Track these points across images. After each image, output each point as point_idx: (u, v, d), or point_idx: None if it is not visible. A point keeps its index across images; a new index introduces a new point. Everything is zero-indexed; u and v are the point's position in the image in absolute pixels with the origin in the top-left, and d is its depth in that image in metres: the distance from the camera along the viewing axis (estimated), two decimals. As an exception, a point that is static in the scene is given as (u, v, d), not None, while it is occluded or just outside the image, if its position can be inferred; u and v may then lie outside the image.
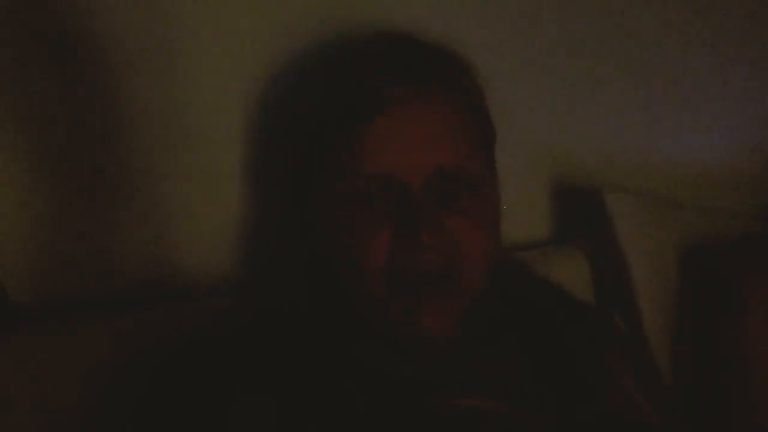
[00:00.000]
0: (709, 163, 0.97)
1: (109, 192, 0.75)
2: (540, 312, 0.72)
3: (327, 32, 0.75)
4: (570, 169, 0.92)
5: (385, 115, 0.60)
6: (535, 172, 0.92)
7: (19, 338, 0.70)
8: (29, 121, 0.71)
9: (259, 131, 0.77)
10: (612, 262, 0.87)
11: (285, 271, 0.68)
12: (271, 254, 0.74)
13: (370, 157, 0.61)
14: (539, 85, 0.87)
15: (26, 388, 0.68)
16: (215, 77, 0.75)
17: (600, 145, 0.92)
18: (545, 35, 0.86)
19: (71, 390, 0.68)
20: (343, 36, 0.73)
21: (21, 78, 0.70)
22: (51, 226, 0.74)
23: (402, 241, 0.59)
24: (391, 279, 0.60)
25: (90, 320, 0.73)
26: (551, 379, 0.66)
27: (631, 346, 0.78)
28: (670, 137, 0.95)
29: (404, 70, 0.62)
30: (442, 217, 0.60)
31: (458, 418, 0.60)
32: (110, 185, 0.75)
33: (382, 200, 0.61)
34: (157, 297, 0.77)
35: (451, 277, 0.61)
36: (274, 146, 0.77)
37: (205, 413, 0.57)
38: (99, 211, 0.75)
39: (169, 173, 0.76)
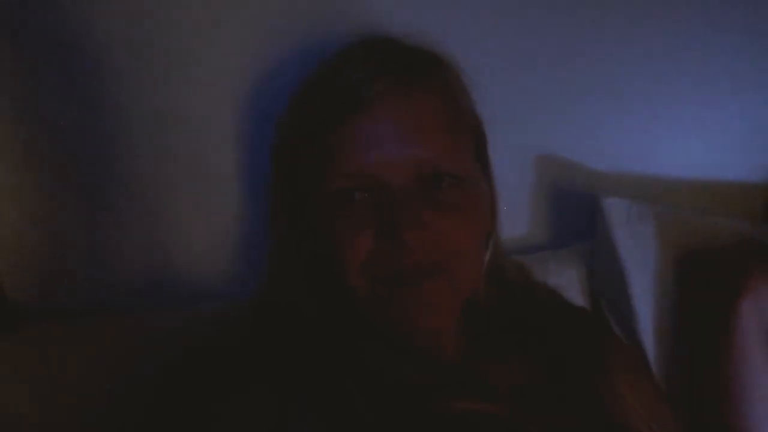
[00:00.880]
0: (706, 168, 0.97)
1: (106, 194, 0.75)
2: (538, 317, 0.72)
3: (320, 35, 0.75)
4: (568, 174, 0.92)
5: (364, 113, 0.61)
6: (533, 177, 0.92)
7: (18, 338, 0.71)
8: (27, 124, 0.71)
9: (254, 133, 0.78)
10: (609, 267, 0.87)
11: (285, 270, 0.68)
12: (269, 253, 0.73)
13: (350, 155, 0.61)
14: (538, 90, 0.88)
15: (24, 387, 0.68)
16: (210, 81, 0.75)
17: (598, 151, 0.92)
18: (544, 39, 0.86)
19: (70, 390, 0.68)
20: (335, 39, 0.73)
21: (18, 80, 0.70)
22: (48, 229, 0.74)
23: (384, 242, 0.59)
24: (375, 278, 0.60)
25: (89, 322, 0.73)
26: (549, 383, 0.66)
27: (627, 352, 0.78)
28: (668, 143, 0.94)
29: (383, 68, 0.62)
30: (425, 214, 0.60)
31: (458, 421, 0.60)
32: (108, 187, 0.75)
33: (365, 198, 0.61)
34: (155, 299, 0.77)
35: (440, 273, 0.61)
36: (268, 148, 0.77)
37: (206, 416, 0.57)
38: (96, 213, 0.75)
39: (165, 176, 0.76)
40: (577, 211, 0.92)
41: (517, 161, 0.90)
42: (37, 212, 0.73)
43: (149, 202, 0.76)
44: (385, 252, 0.60)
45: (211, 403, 0.57)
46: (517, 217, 0.90)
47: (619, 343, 0.78)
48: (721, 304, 0.80)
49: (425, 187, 0.61)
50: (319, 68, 0.67)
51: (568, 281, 0.86)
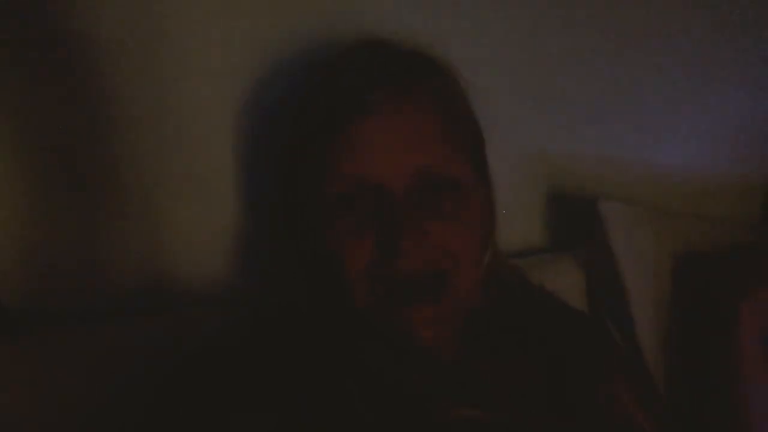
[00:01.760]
0: (703, 171, 0.97)
1: (103, 197, 0.75)
2: (536, 319, 0.72)
3: (318, 36, 0.75)
4: (565, 177, 0.92)
5: (363, 119, 0.60)
6: (530, 180, 0.92)
7: (14, 343, 0.70)
8: (22, 126, 0.71)
9: (253, 135, 0.77)
10: (606, 271, 0.87)
11: (282, 274, 0.68)
12: (268, 257, 0.73)
13: (350, 162, 0.61)
14: (534, 93, 0.88)
15: (22, 393, 0.67)
16: (208, 82, 0.75)
17: (595, 154, 0.92)
18: (540, 43, 0.86)
19: (67, 396, 0.68)
20: (332, 43, 0.73)
21: (13, 82, 0.69)
22: (44, 232, 0.74)
23: (383, 250, 0.59)
24: (374, 286, 0.60)
25: (87, 327, 0.73)
26: (548, 385, 0.66)
27: (624, 355, 0.78)
28: (665, 146, 0.95)
29: (382, 74, 0.62)
30: (424, 222, 0.60)
31: (457, 427, 0.60)
32: (104, 190, 0.75)
33: (364, 205, 0.61)
34: (152, 302, 0.77)
35: (439, 282, 0.61)
36: (266, 152, 0.77)
37: (206, 417, 0.57)
38: (92, 216, 0.75)
39: (163, 178, 0.76)
40: (574, 214, 0.92)
41: (514, 164, 0.89)
42: (31, 214, 0.73)
43: (147, 203, 0.76)
44: (385, 259, 0.59)
45: (212, 404, 0.57)
46: (514, 220, 0.89)
47: (617, 346, 0.78)
48: (720, 308, 0.80)
49: (425, 194, 0.61)
50: (318, 73, 0.67)
51: (565, 284, 0.85)
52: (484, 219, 0.67)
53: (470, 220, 0.63)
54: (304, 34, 0.75)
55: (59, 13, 0.68)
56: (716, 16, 0.90)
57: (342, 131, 0.61)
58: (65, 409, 0.68)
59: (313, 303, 0.66)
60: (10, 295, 0.73)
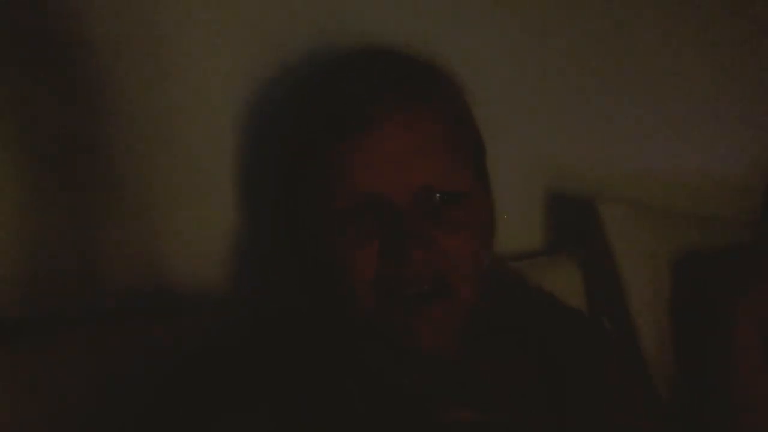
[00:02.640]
0: (701, 172, 0.97)
1: (101, 199, 0.74)
2: (535, 320, 0.72)
3: (319, 42, 0.75)
4: (563, 178, 0.93)
5: (368, 133, 0.60)
6: (528, 181, 0.92)
7: (8, 347, 0.70)
8: (14, 127, 0.70)
9: (254, 138, 0.77)
10: (605, 271, 0.87)
11: (280, 282, 0.68)
12: (265, 263, 0.73)
13: (355, 175, 0.61)
14: (533, 95, 0.88)
15: (21, 394, 0.67)
16: (208, 84, 0.75)
17: (593, 155, 0.93)
18: (539, 46, 0.86)
19: (66, 397, 0.67)
20: (334, 47, 0.72)
21: (10, 81, 0.69)
22: (41, 234, 0.73)
23: (390, 258, 0.59)
24: (380, 296, 0.60)
25: (86, 329, 0.72)
26: (547, 387, 0.67)
27: (623, 354, 0.78)
28: (662, 146, 0.95)
29: (386, 87, 0.62)
30: (429, 232, 0.60)
31: (457, 427, 0.60)
32: (103, 193, 0.74)
33: (370, 217, 0.61)
34: (151, 305, 0.77)
35: (443, 290, 0.61)
36: (266, 155, 0.77)
37: (205, 417, 0.57)
38: (91, 219, 0.75)
39: (162, 180, 0.76)
40: (573, 214, 0.92)
41: (512, 166, 0.89)
42: (28, 216, 0.72)
43: (146, 206, 0.76)
44: (390, 271, 0.59)
45: (211, 404, 0.57)
46: (513, 221, 0.89)
47: (616, 346, 0.78)
48: (719, 307, 0.80)
49: (429, 205, 0.61)
50: (321, 83, 0.67)
51: (564, 285, 0.86)
52: (485, 225, 0.68)
53: (473, 228, 0.64)
54: (306, 38, 0.75)
55: (58, 12, 0.68)
56: (715, 15, 0.90)
57: (345, 144, 0.61)
58: (65, 410, 0.67)
59: (314, 308, 0.66)
60: (8, 297, 0.73)
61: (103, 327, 0.73)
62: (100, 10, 0.69)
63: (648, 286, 0.86)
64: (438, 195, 0.61)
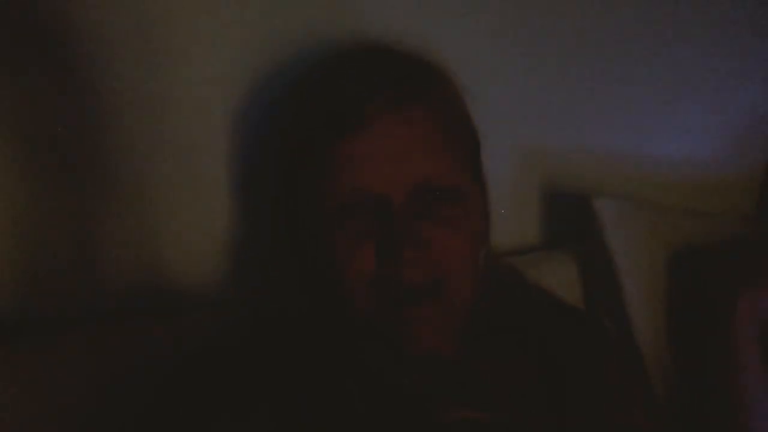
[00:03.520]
0: (698, 167, 0.97)
1: (100, 199, 0.75)
2: (533, 318, 0.72)
3: (316, 40, 0.75)
4: (560, 174, 0.92)
5: (363, 130, 0.60)
6: (525, 177, 0.92)
7: (12, 347, 0.70)
8: (12, 126, 0.71)
9: (251, 139, 0.77)
10: (602, 267, 0.87)
11: (279, 281, 0.68)
12: (265, 262, 0.74)
13: (349, 173, 0.61)
14: (529, 90, 0.87)
15: (20, 395, 0.67)
16: (206, 82, 0.75)
17: (590, 151, 0.92)
18: (534, 40, 0.86)
19: (66, 398, 0.68)
20: (330, 45, 0.73)
21: (8, 81, 0.69)
22: (39, 233, 0.74)
23: (385, 258, 0.60)
24: (377, 294, 0.61)
25: (84, 329, 0.73)
26: (546, 386, 0.67)
27: (620, 351, 0.78)
28: (660, 142, 0.95)
29: (380, 84, 0.62)
30: (424, 231, 0.60)
31: (456, 427, 0.60)
32: (101, 192, 0.74)
33: (365, 215, 0.61)
34: (150, 304, 0.77)
35: (439, 290, 0.61)
36: (265, 154, 0.77)
37: (205, 418, 0.57)
38: (89, 218, 0.75)
39: (158, 180, 0.76)
40: (569, 211, 0.92)
41: (509, 162, 0.90)
42: (26, 216, 0.72)
43: (145, 205, 0.76)
44: (387, 268, 0.60)
45: (211, 404, 0.57)
46: (509, 217, 0.89)
47: (614, 343, 0.78)
48: (716, 303, 0.80)
49: (424, 203, 0.61)
50: (315, 80, 0.67)
51: (561, 281, 0.86)
52: (481, 222, 0.68)
53: (468, 225, 0.64)
54: (302, 34, 0.75)
55: (56, 10, 0.68)
56: (713, 12, 0.90)
57: (341, 142, 0.61)
58: (65, 410, 0.68)
59: (313, 308, 0.66)
60: (8, 297, 0.73)
61: (103, 327, 0.73)
62: (100, 10, 0.69)
63: (645, 282, 0.86)
64: (434, 192, 0.62)
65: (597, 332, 0.76)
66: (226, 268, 0.80)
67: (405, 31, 0.67)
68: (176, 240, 0.78)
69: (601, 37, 0.88)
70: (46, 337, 0.72)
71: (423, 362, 0.63)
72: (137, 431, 0.64)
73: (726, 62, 0.93)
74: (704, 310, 0.81)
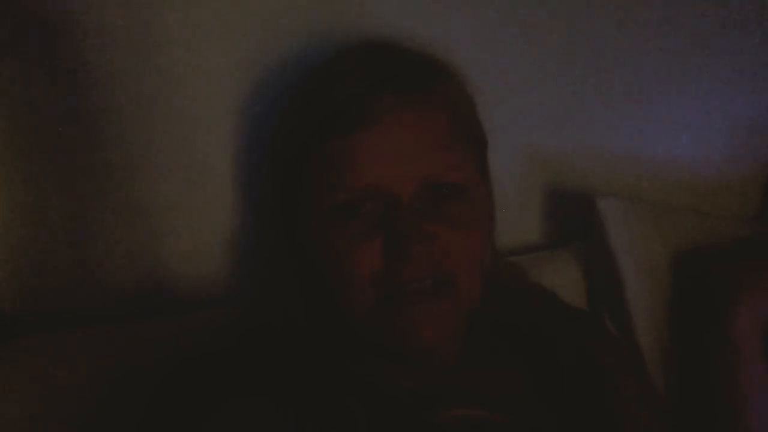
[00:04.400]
0: (701, 167, 0.97)
1: (98, 198, 0.74)
2: (536, 319, 0.72)
3: (320, 36, 0.74)
4: (563, 173, 0.92)
5: (369, 126, 0.60)
6: (527, 176, 0.91)
7: (11, 346, 0.70)
8: (11, 125, 0.70)
9: (250, 132, 0.77)
10: (604, 267, 0.87)
11: (279, 283, 0.68)
12: (264, 263, 0.73)
13: (355, 169, 0.60)
14: (532, 90, 0.87)
15: (19, 394, 0.67)
16: (206, 80, 0.74)
17: (593, 150, 0.92)
18: (538, 39, 0.85)
19: (64, 397, 0.68)
20: (334, 41, 0.72)
21: (8, 80, 0.69)
22: (37, 233, 0.74)
23: (392, 255, 0.59)
24: (381, 291, 0.60)
25: (82, 329, 0.72)
26: (547, 386, 0.67)
27: (625, 353, 0.78)
28: (663, 143, 0.95)
29: (387, 79, 0.62)
30: (431, 227, 0.60)
31: (456, 427, 0.60)
32: (97, 191, 0.74)
33: (371, 212, 0.61)
34: (148, 304, 0.76)
35: (445, 286, 0.61)
36: (266, 152, 0.76)
37: (203, 427, 0.56)
38: (87, 217, 0.75)
39: (158, 178, 0.76)
40: (572, 210, 0.92)
41: (512, 161, 0.89)
42: (23, 215, 0.72)
43: (143, 204, 0.76)
44: (391, 265, 0.59)
45: (209, 414, 0.56)
46: (512, 217, 0.89)
47: (617, 344, 0.78)
48: (718, 303, 0.80)
49: (432, 199, 0.61)
50: (319, 77, 0.66)
51: (563, 281, 0.85)
52: (487, 219, 0.68)
53: (475, 223, 0.64)
54: (304, 31, 0.75)
55: (55, 9, 0.68)
56: (714, 11, 0.90)
57: (347, 139, 0.61)
58: (64, 410, 0.68)
59: (311, 312, 0.66)
60: (7, 296, 0.73)
61: (103, 327, 0.73)
62: (100, 8, 0.69)
63: (647, 281, 0.86)
64: (442, 189, 0.61)
65: (598, 332, 0.76)
66: (225, 268, 0.80)
67: (411, 30, 0.67)
68: (175, 238, 0.78)
69: (604, 37, 0.88)
70: (47, 337, 0.71)
71: (423, 361, 0.63)
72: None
73: (729, 63, 0.93)
74: (706, 310, 0.81)
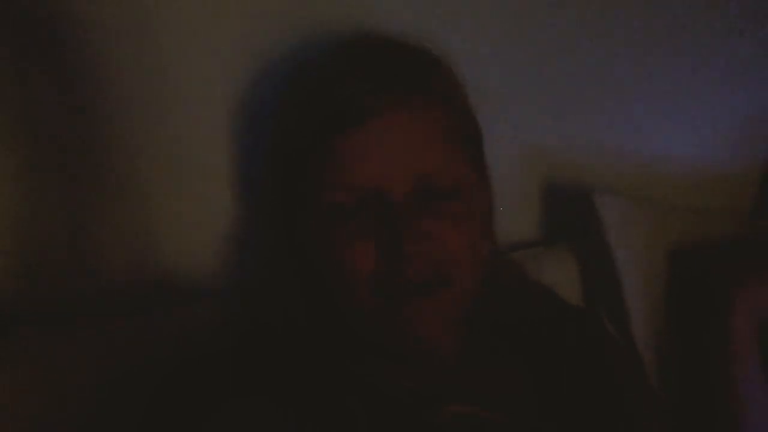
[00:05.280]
0: (698, 164, 0.97)
1: (94, 195, 0.74)
2: (534, 317, 0.72)
3: (318, 33, 0.74)
4: (560, 170, 0.93)
5: (362, 125, 0.60)
6: (525, 173, 0.92)
7: (8, 343, 0.69)
8: (10, 122, 0.70)
9: (247, 129, 0.76)
10: (601, 263, 0.87)
11: (279, 281, 0.68)
12: (264, 262, 0.73)
13: (349, 168, 0.60)
14: (530, 86, 0.87)
15: (18, 392, 0.67)
16: (203, 75, 0.74)
17: (591, 147, 0.92)
18: (536, 35, 0.86)
19: (64, 396, 0.67)
20: (330, 37, 0.72)
21: (4, 78, 0.69)
22: (35, 228, 0.73)
23: (385, 252, 0.59)
24: (379, 290, 0.60)
25: (80, 327, 0.72)
26: (550, 388, 0.67)
27: (622, 350, 0.78)
28: (661, 139, 0.95)
29: (380, 78, 0.61)
30: (425, 224, 0.60)
31: (454, 424, 0.60)
32: (96, 188, 0.74)
33: (365, 211, 0.60)
34: (146, 300, 0.76)
35: (440, 283, 0.61)
36: (264, 149, 0.76)
37: (203, 428, 0.56)
38: (85, 214, 0.75)
39: (157, 175, 0.75)
40: (569, 206, 0.92)
41: (509, 157, 0.89)
42: (21, 211, 0.72)
43: (142, 202, 0.76)
44: (388, 264, 0.59)
45: (209, 414, 0.56)
46: (510, 213, 0.89)
47: (614, 341, 0.78)
48: (714, 299, 0.80)
49: (425, 197, 0.61)
50: (315, 75, 0.66)
51: (561, 277, 0.86)
52: (483, 216, 0.67)
53: (470, 219, 0.63)
54: (300, 28, 0.75)
55: (54, 8, 0.67)
56: (712, 9, 0.90)
57: (342, 137, 0.60)
58: (63, 408, 0.67)
59: (311, 312, 0.66)
60: (5, 292, 0.73)
61: (102, 326, 0.72)
62: (99, 7, 0.69)
63: (645, 278, 0.87)
64: (435, 186, 0.61)
65: (596, 328, 0.76)
66: (225, 265, 0.79)
67: (410, 28, 0.67)
68: (174, 236, 0.78)
69: (602, 34, 0.88)
70: (47, 336, 0.71)
71: (423, 361, 0.63)
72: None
73: (727, 60, 0.94)
74: (703, 306, 0.82)
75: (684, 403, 0.82)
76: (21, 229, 0.73)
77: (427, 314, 0.60)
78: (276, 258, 0.68)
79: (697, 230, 0.89)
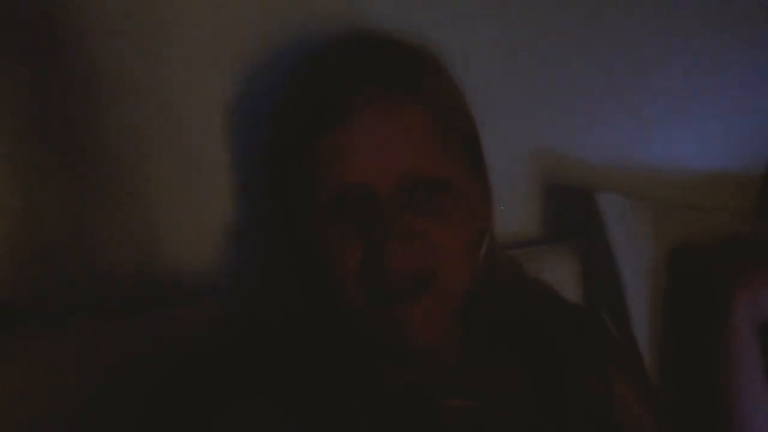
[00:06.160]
0: (699, 163, 0.97)
1: (94, 192, 0.74)
2: (533, 315, 0.72)
3: (312, 29, 0.74)
4: (562, 169, 0.92)
5: (348, 123, 0.60)
6: (527, 171, 0.91)
7: (8, 341, 0.69)
8: (9, 118, 0.70)
9: (248, 131, 0.76)
10: (603, 262, 0.87)
11: (278, 280, 0.68)
12: (263, 260, 0.73)
13: (337, 166, 0.60)
14: (532, 85, 0.87)
15: (18, 391, 0.67)
16: (201, 74, 0.74)
17: (592, 146, 0.92)
18: (538, 35, 0.85)
19: (63, 396, 0.67)
20: (324, 34, 0.72)
21: (2, 73, 0.69)
22: (35, 226, 0.73)
23: (373, 252, 0.59)
24: (366, 289, 0.60)
25: (81, 331, 0.72)
26: (549, 387, 0.66)
27: (621, 347, 0.78)
28: (662, 138, 0.95)
29: (368, 75, 0.61)
30: (413, 222, 0.59)
31: (450, 418, 0.60)
32: (95, 185, 0.74)
33: (353, 209, 0.60)
34: (146, 298, 0.76)
35: (426, 283, 0.60)
36: (262, 146, 0.76)
37: (203, 427, 0.56)
38: (85, 212, 0.75)
39: (155, 173, 0.75)
40: (571, 205, 0.92)
41: (510, 156, 0.89)
42: (22, 208, 0.72)
43: (141, 199, 0.75)
44: (374, 261, 0.59)
45: (209, 414, 0.56)
46: (511, 211, 0.89)
47: (615, 340, 0.78)
48: (715, 298, 0.80)
49: (413, 195, 0.60)
50: (305, 72, 0.66)
51: (562, 276, 0.86)
52: (478, 215, 0.67)
53: (461, 217, 0.63)
54: (296, 27, 0.74)
55: (52, 3, 0.67)
56: (715, 12, 0.90)
57: (328, 135, 0.60)
58: (62, 406, 0.67)
59: (310, 309, 0.66)
60: (5, 291, 0.73)
61: (102, 326, 0.73)
62: (98, 8, 0.69)
63: (645, 276, 0.86)
64: (422, 183, 0.61)
65: (596, 327, 0.76)
66: (224, 262, 0.79)
67: (406, 24, 0.66)
68: (174, 233, 0.78)
69: (604, 34, 0.88)
70: (47, 334, 0.71)
71: (423, 361, 0.63)
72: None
73: (727, 61, 0.94)
74: (703, 305, 0.82)
75: (684, 403, 0.82)
76: (21, 229, 0.73)
77: (417, 317, 0.60)
78: (276, 258, 0.68)
79: (697, 230, 0.89)
